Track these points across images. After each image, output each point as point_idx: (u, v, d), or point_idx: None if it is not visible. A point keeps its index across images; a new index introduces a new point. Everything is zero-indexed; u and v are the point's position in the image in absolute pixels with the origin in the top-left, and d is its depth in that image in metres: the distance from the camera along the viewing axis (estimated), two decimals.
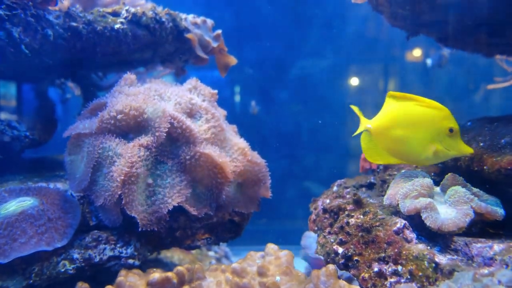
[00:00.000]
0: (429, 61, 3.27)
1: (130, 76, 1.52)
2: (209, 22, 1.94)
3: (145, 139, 1.31)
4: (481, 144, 1.14)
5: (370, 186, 1.52)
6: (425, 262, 1.01)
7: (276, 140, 3.80)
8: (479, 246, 1.00)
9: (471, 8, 1.30)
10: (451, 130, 1.05)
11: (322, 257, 1.26)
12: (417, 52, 3.63)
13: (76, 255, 1.29)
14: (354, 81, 3.84)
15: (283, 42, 3.81)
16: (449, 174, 1.18)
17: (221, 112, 1.63)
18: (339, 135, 3.84)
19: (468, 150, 1.06)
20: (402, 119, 1.11)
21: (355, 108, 1.24)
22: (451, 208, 1.07)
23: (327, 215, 1.31)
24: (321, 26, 3.84)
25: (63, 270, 1.26)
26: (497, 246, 0.98)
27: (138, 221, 1.28)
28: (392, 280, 1.03)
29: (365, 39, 3.83)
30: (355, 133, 1.24)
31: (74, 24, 1.46)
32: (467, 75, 3.52)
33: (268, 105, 3.84)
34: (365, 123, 1.21)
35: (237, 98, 3.90)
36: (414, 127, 1.09)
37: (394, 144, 1.15)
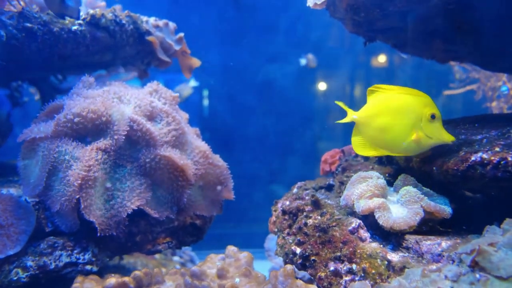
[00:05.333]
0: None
1: (88, 78, 1.49)
2: (172, 25, 1.93)
3: (103, 143, 1.28)
4: None
5: (329, 187, 1.55)
6: (378, 260, 1.04)
7: (243, 144, 3.82)
8: (428, 243, 1.04)
9: (422, 16, 1.35)
10: (433, 117, 1.04)
11: (282, 258, 1.27)
12: (381, 58, 3.75)
13: (30, 263, 1.25)
14: (320, 86, 3.92)
15: (249, 47, 3.84)
16: (402, 174, 1.23)
17: (182, 115, 1.63)
18: (305, 138, 3.90)
19: (449, 137, 1.03)
20: (385, 108, 1.11)
21: (340, 104, 1.26)
22: (402, 207, 1.11)
23: (286, 217, 1.32)
24: (286, 31, 3.90)
25: (15, 278, 1.22)
26: (444, 243, 1.02)
27: (96, 226, 1.25)
28: (347, 278, 1.06)
29: (330, 45, 3.92)
30: (340, 121, 1.26)
31: (28, 24, 1.41)
32: (428, 80, 3.66)
33: (235, 109, 3.85)
34: (351, 114, 1.22)
35: (205, 102, 3.90)
36: (396, 114, 1.08)
37: (378, 132, 1.15)
